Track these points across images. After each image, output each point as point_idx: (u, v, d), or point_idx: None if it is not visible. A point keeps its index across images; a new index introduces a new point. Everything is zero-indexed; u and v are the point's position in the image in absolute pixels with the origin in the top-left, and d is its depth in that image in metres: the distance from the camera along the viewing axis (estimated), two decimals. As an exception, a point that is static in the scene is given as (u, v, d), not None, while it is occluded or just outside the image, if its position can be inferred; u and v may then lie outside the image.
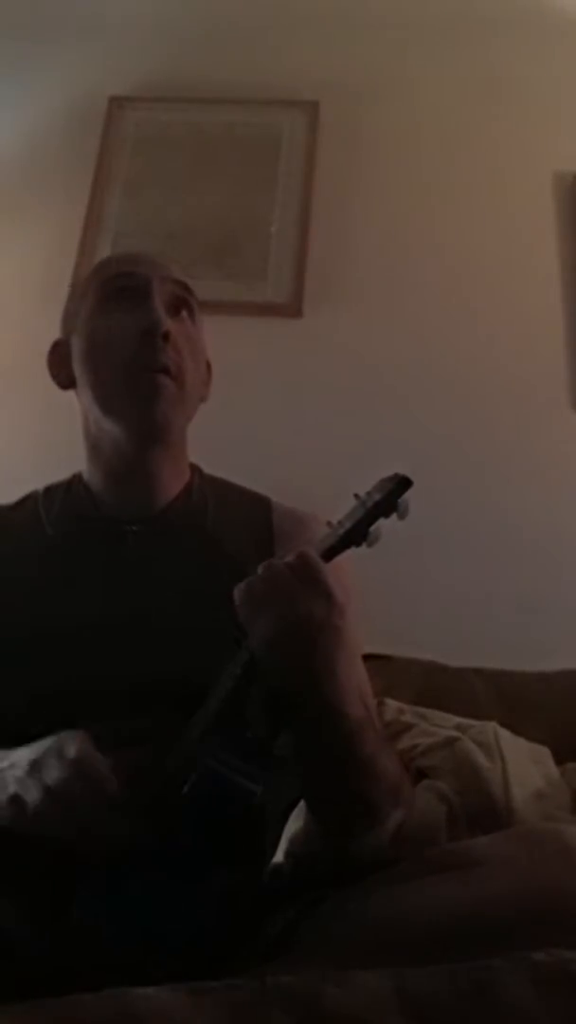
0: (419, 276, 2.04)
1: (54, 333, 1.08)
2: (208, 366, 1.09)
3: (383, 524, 0.78)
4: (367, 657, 1.01)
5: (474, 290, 2.01)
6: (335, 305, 2.02)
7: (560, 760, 1.31)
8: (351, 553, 0.81)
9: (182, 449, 1.04)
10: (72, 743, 0.74)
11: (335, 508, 0.82)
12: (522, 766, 1.23)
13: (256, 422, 1.86)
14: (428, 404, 1.91)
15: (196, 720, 0.78)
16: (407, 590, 1.70)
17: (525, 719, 1.38)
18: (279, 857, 0.94)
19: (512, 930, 0.61)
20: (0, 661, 0.88)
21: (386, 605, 1.38)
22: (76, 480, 1.05)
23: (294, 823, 0.95)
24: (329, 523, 0.82)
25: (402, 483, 0.78)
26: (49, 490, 1.06)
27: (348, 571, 0.87)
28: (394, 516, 0.78)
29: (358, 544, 0.79)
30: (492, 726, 1.28)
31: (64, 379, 1.05)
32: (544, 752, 1.32)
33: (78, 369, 1.02)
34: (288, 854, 0.95)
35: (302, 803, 0.92)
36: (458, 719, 1.32)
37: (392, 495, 0.78)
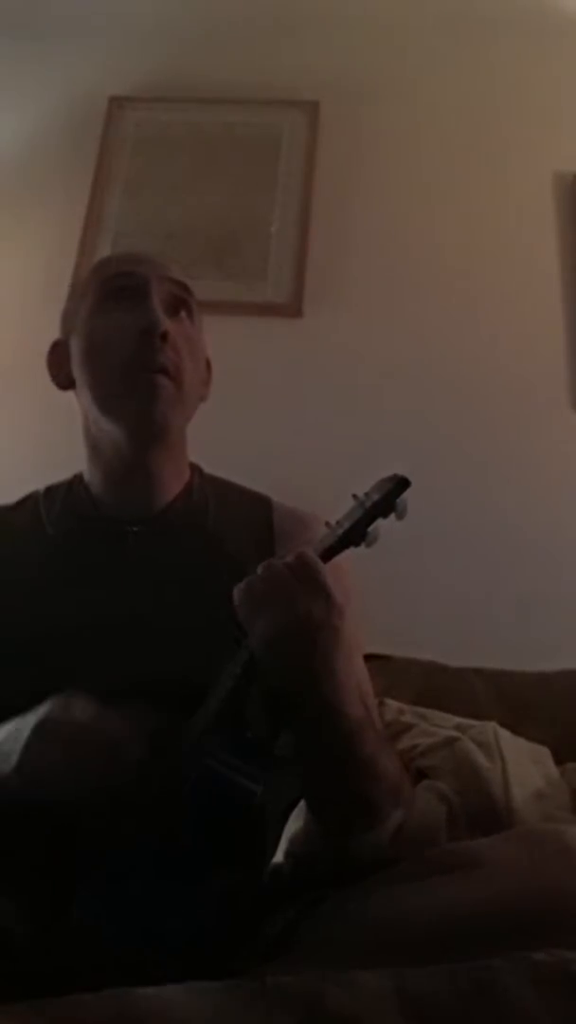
0: (419, 276, 2.04)
1: (54, 333, 1.08)
2: (208, 365, 1.09)
3: (382, 524, 0.78)
4: (367, 657, 1.01)
5: (474, 290, 2.01)
6: (335, 305, 2.02)
7: (560, 760, 1.31)
8: (351, 553, 0.81)
9: (182, 449, 1.04)
10: (79, 705, 0.76)
11: (335, 508, 0.82)
12: (522, 766, 1.23)
13: (256, 422, 1.86)
14: (428, 404, 1.91)
15: (196, 720, 0.78)
16: (407, 590, 1.70)
17: (525, 719, 1.38)
18: (279, 857, 0.94)
19: (512, 930, 0.61)
20: (0, 661, 0.88)
21: (386, 605, 1.38)
22: (77, 480, 1.05)
23: (294, 823, 0.95)
24: (328, 523, 0.82)
25: (400, 483, 0.78)
26: (50, 490, 1.06)
27: (348, 571, 0.88)
28: (392, 516, 0.78)
29: (357, 544, 0.79)
30: (492, 726, 1.28)
31: (63, 379, 1.05)
32: (544, 752, 1.32)
33: (77, 369, 1.02)
34: (288, 854, 0.95)
35: (302, 803, 0.92)
36: (458, 719, 1.32)
37: (390, 495, 0.78)
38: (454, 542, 1.78)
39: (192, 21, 2.26)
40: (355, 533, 0.79)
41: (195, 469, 1.07)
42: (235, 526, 1.01)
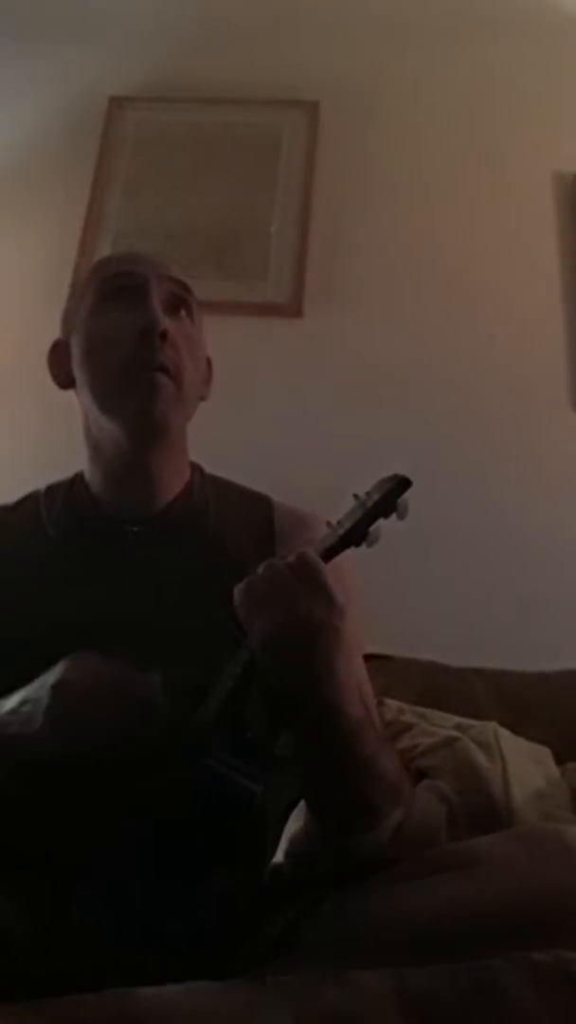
0: (419, 276, 2.04)
1: (54, 333, 1.08)
2: (209, 365, 1.09)
3: (382, 524, 0.78)
4: (367, 657, 1.01)
5: (474, 290, 2.01)
6: (335, 305, 2.02)
7: (560, 760, 1.31)
8: (352, 553, 0.81)
9: (182, 449, 1.04)
10: (93, 660, 0.78)
11: (335, 508, 0.82)
12: (522, 766, 1.23)
13: (256, 422, 1.86)
14: (428, 404, 1.91)
15: (196, 720, 0.78)
16: (407, 590, 1.70)
17: (525, 719, 1.38)
18: (279, 857, 0.94)
19: (512, 930, 0.61)
20: (0, 660, 0.88)
21: (386, 605, 1.38)
22: (77, 480, 1.05)
23: (294, 823, 0.95)
24: (329, 523, 0.82)
25: (401, 483, 0.78)
26: (50, 490, 1.06)
27: (348, 571, 0.88)
28: (393, 516, 0.78)
29: (357, 544, 0.79)
30: (492, 726, 1.28)
31: (64, 379, 1.05)
32: (544, 752, 1.31)
33: (77, 368, 1.02)
34: (288, 854, 0.95)
35: (302, 803, 0.92)
36: (458, 719, 1.32)
37: (391, 495, 0.78)
38: (454, 542, 1.78)
39: (192, 21, 2.26)
40: (356, 533, 0.79)
41: (196, 469, 1.07)
42: (235, 526, 1.01)
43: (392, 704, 1.35)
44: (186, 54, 2.26)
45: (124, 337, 0.95)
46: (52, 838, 0.77)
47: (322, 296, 2.02)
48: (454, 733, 1.25)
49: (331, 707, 0.78)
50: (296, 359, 1.98)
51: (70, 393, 1.05)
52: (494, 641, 1.65)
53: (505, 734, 1.27)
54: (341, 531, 0.79)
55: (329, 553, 0.79)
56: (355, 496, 0.81)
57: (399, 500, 0.78)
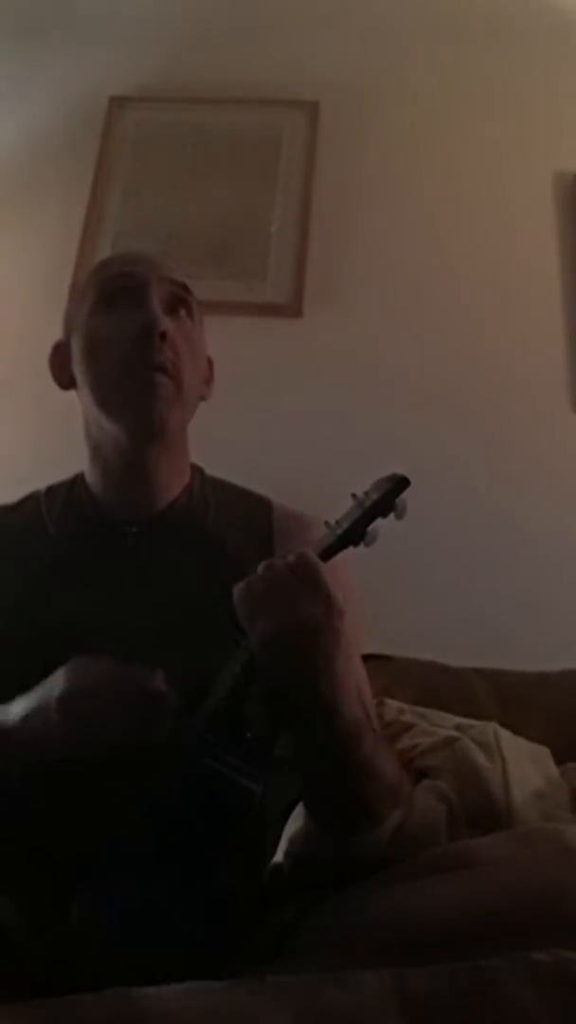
0: (419, 276, 2.03)
1: (54, 333, 1.08)
2: (210, 364, 1.09)
3: (381, 524, 0.78)
4: (367, 657, 1.01)
5: (474, 290, 2.01)
6: (335, 305, 2.02)
7: (560, 760, 1.31)
8: (351, 553, 0.81)
9: (182, 449, 1.04)
10: (98, 660, 0.78)
11: (335, 508, 0.82)
12: (522, 766, 1.23)
13: (256, 422, 1.86)
14: (428, 404, 1.91)
15: (196, 720, 0.78)
16: (407, 590, 1.70)
17: (525, 719, 1.38)
18: (279, 857, 0.94)
19: (512, 930, 0.61)
20: (1, 660, 0.88)
21: (386, 605, 1.38)
22: (78, 480, 1.05)
23: (294, 823, 0.95)
24: (327, 523, 0.82)
25: (399, 483, 0.78)
26: (51, 490, 1.06)
27: (347, 570, 0.88)
28: (392, 516, 0.78)
29: (356, 544, 0.79)
30: (492, 726, 1.28)
31: (65, 380, 1.05)
32: (544, 752, 1.31)
33: (77, 369, 1.02)
34: (288, 854, 0.95)
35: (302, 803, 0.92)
36: (458, 719, 1.32)
37: (389, 495, 0.78)
38: (454, 542, 1.78)
39: (192, 21, 2.26)
40: (354, 532, 0.79)
41: (196, 470, 1.07)
42: (235, 527, 1.01)
43: (392, 704, 1.35)
44: (186, 54, 2.26)
45: (123, 337, 0.96)
46: (53, 837, 0.77)
47: (322, 296, 2.02)
48: (454, 733, 1.25)
49: (330, 707, 0.78)
50: (296, 359, 1.97)
51: (70, 393, 1.05)
52: (494, 641, 1.64)
53: (505, 734, 1.27)
54: (339, 531, 0.80)
55: (328, 553, 0.79)
56: (353, 496, 0.81)
57: (397, 500, 0.78)
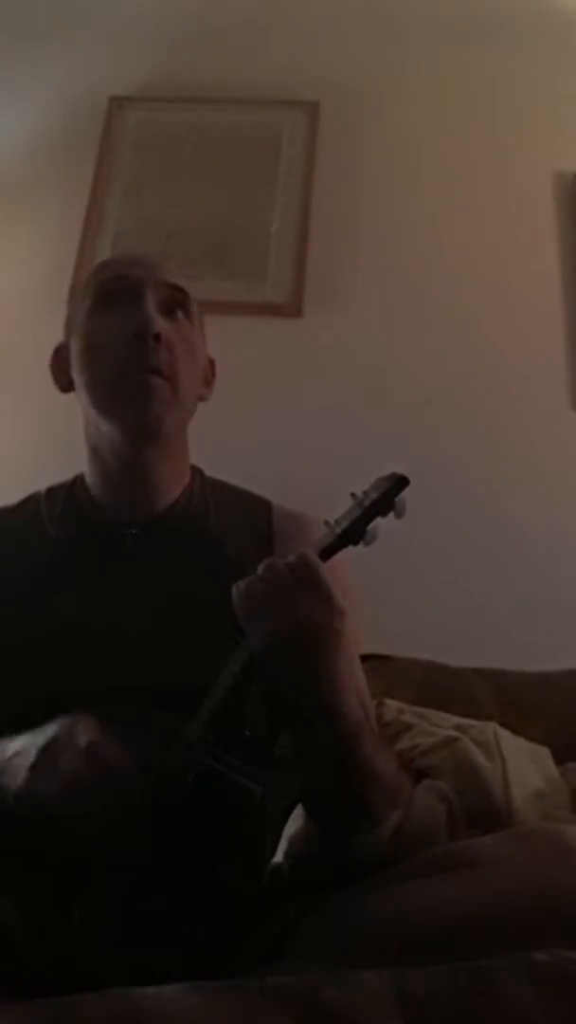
0: (419, 276, 2.03)
1: (54, 333, 1.08)
2: (212, 365, 1.09)
3: (381, 523, 0.78)
4: (367, 657, 1.01)
5: (474, 290, 2.01)
6: (335, 305, 2.02)
7: (560, 760, 1.31)
8: (350, 552, 0.81)
9: (181, 451, 1.04)
10: (82, 730, 0.75)
11: (335, 508, 0.82)
12: (522, 766, 1.23)
13: (256, 422, 1.86)
14: (428, 404, 1.91)
15: (196, 720, 0.78)
16: (407, 590, 1.70)
17: (525, 719, 1.38)
18: (279, 857, 0.94)
19: (512, 930, 0.61)
20: (1, 661, 0.88)
21: (386, 605, 1.38)
22: (78, 481, 1.05)
23: (294, 823, 0.95)
24: (327, 523, 0.82)
25: (399, 482, 0.78)
26: (51, 491, 1.06)
27: (346, 570, 0.88)
28: (391, 515, 0.78)
29: (355, 543, 0.79)
30: (492, 726, 1.28)
31: (65, 383, 1.05)
32: (544, 752, 1.31)
33: (75, 371, 1.02)
34: (288, 854, 0.95)
35: (302, 803, 0.92)
36: (458, 719, 1.32)
37: (389, 494, 0.78)
38: (454, 542, 1.78)
39: (192, 21, 2.26)
40: (354, 532, 0.79)
41: (196, 472, 1.07)
42: (235, 528, 1.01)
43: (392, 704, 1.35)
44: (186, 54, 2.26)
45: (118, 340, 0.96)
46: (52, 840, 0.77)
47: (322, 296, 2.02)
48: (454, 733, 1.25)
49: (330, 708, 0.78)
50: (296, 359, 1.97)
51: (70, 394, 1.05)
52: (494, 641, 1.65)
53: (505, 734, 1.27)
54: (339, 530, 0.80)
55: (327, 552, 0.79)
56: (353, 495, 0.81)
57: (397, 499, 0.78)
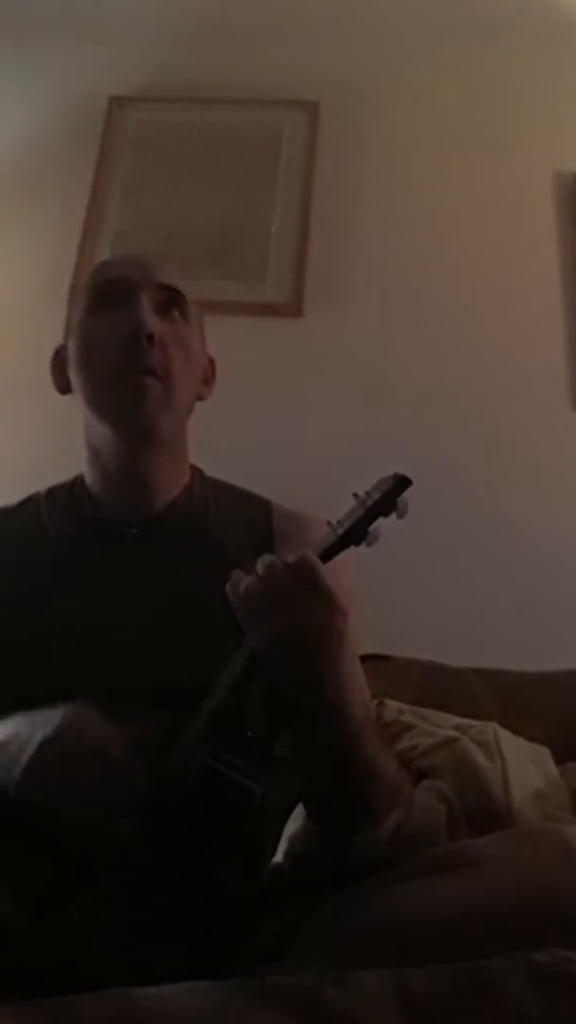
0: (419, 276, 2.03)
1: (54, 333, 1.08)
2: (212, 364, 1.09)
3: (382, 523, 0.78)
4: (367, 657, 1.01)
5: (474, 290, 2.01)
6: (335, 305, 2.02)
7: (560, 760, 1.31)
8: (352, 552, 0.81)
9: (180, 451, 1.04)
10: (88, 728, 0.75)
11: (335, 508, 0.82)
12: (522, 766, 1.23)
13: (256, 422, 1.86)
14: (428, 404, 1.91)
15: (196, 720, 0.78)
16: (407, 590, 1.70)
17: (525, 719, 1.38)
18: (279, 857, 0.94)
19: (512, 930, 0.61)
20: (1, 661, 0.88)
21: (386, 605, 1.38)
22: (78, 482, 1.05)
23: (294, 823, 0.95)
24: (329, 523, 0.82)
25: (401, 482, 0.78)
26: (51, 491, 1.06)
27: (348, 570, 0.88)
28: (393, 515, 0.78)
29: (357, 544, 0.79)
30: (492, 726, 1.28)
31: (64, 384, 1.05)
32: (544, 752, 1.31)
33: (72, 372, 1.02)
34: (288, 854, 0.95)
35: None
36: (458, 719, 1.32)
37: (391, 494, 0.78)
38: (454, 542, 1.78)
39: (192, 21, 2.26)
40: (356, 532, 0.79)
41: (196, 472, 1.07)
42: (235, 528, 1.01)
43: (392, 704, 1.35)
44: (186, 54, 2.26)
45: (112, 341, 0.96)
46: (51, 841, 0.77)
47: (322, 296, 2.02)
48: (454, 733, 1.25)
49: (335, 708, 0.78)
50: (296, 359, 1.97)
51: (70, 395, 1.05)
52: (494, 641, 1.65)
53: (505, 734, 1.27)
54: (341, 530, 0.79)
55: (329, 553, 0.79)
56: (355, 495, 0.81)
57: (399, 499, 0.78)
